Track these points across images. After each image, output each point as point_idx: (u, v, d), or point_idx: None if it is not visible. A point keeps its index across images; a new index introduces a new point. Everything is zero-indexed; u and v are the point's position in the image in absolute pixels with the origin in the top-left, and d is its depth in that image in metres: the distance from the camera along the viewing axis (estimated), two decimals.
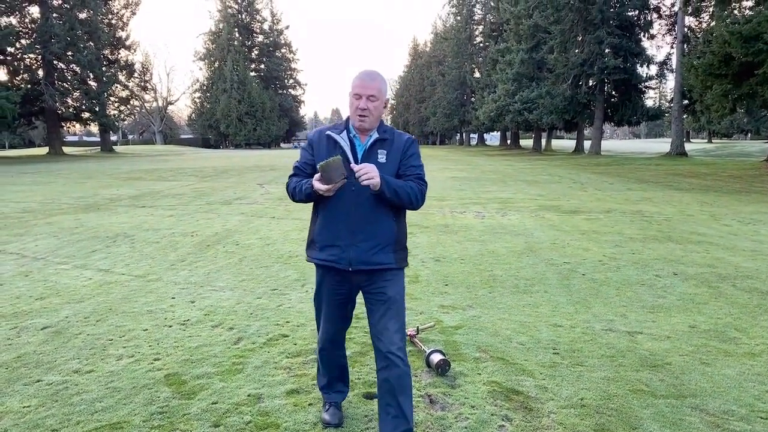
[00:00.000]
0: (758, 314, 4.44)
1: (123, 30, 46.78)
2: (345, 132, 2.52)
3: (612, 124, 39.67)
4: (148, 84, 58.44)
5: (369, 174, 2.28)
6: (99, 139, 50.63)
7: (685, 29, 30.29)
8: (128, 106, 50.40)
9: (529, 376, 3.28)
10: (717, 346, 3.76)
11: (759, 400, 3.00)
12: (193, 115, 77.26)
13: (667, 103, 40.18)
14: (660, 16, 34.74)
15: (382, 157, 2.47)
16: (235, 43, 72.79)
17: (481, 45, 63.17)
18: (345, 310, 2.70)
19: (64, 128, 47.75)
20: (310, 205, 2.62)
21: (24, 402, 2.97)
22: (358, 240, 2.45)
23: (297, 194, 2.51)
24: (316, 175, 2.34)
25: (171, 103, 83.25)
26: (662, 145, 47.53)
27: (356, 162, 2.45)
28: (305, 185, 2.45)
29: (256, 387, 3.14)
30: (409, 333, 3.75)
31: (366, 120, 2.46)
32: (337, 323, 2.72)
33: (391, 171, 2.45)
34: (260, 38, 79.85)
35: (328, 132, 2.54)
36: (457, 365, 3.43)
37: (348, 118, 2.55)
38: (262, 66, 79.47)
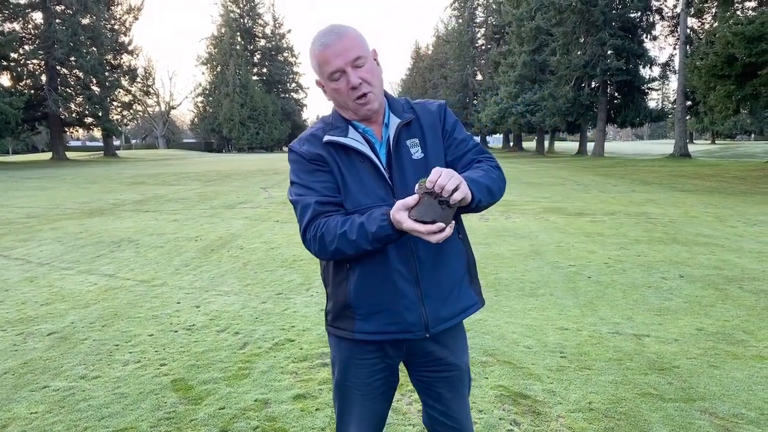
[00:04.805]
0: (766, 316, 4.41)
1: (125, 35, 46.94)
2: (353, 130, 1.57)
3: (615, 125, 39.67)
4: (150, 88, 58.57)
5: (451, 182, 1.30)
6: (102, 144, 50.78)
7: (688, 30, 30.30)
8: (131, 111, 50.62)
9: (537, 380, 3.27)
10: (725, 349, 3.74)
11: None
12: (196, 119, 77.49)
13: (670, 105, 40.20)
14: (662, 18, 34.82)
15: (416, 151, 1.56)
16: (237, 47, 73.02)
17: (483, 47, 63.14)
18: (386, 402, 1.72)
19: (68, 133, 47.93)
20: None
21: (31, 408, 2.97)
22: (433, 284, 1.55)
23: (347, 242, 1.43)
24: (401, 205, 1.34)
25: (173, 108, 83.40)
26: (665, 146, 47.44)
27: (385, 170, 1.55)
28: (372, 221, 1.40)
29: (263, 392, 3.14)
30: None
31: (372, 97, 1.52)
32: (375, 424, 1.72)
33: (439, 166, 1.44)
34: (262, 42, 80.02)
35: (334, 138, 1.54)
36: None
37: (334, 114, 1.62)
38: (264, 70, 79.61)
